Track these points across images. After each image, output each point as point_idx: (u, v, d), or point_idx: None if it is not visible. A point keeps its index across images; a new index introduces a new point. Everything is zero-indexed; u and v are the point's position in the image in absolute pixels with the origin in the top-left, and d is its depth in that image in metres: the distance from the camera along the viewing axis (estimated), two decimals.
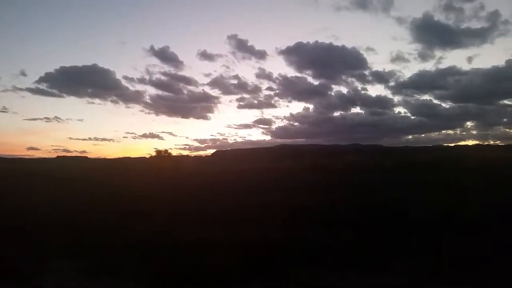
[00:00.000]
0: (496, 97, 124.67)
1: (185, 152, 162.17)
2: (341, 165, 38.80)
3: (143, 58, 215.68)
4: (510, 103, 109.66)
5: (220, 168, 39.15)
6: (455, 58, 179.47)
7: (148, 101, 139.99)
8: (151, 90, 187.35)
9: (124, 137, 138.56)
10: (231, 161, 68.76)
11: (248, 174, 28.19)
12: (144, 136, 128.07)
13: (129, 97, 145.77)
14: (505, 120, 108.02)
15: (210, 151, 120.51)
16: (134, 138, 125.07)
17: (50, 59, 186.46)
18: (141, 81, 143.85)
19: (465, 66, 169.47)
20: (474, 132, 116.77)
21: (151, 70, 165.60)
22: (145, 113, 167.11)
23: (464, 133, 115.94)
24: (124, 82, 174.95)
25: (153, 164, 46.37)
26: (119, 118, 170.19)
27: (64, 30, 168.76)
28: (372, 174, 25.18)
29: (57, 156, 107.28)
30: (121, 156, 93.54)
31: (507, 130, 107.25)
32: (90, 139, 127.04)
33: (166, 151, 53.06)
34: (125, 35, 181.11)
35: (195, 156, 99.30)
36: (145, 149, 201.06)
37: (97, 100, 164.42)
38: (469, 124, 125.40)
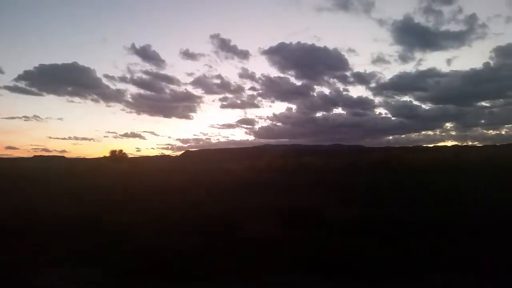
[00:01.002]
0: (474, 99, 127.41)
1: (167, 152, 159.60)
2: (294, 166, 38.69)
3: (124, 57, 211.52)
4: (487, 105, 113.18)
5: (161, 169, 37.58)
6: (435, 60, 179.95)
7: (130, 100, 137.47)
8: (132, 89, 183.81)
9: (105, 136, 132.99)
10: (189, 162, 67.25)
11: (182, 175, 27.04)
12: (126, 135, 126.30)
13: (110, 96, 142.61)
14: (482, 121, 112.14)
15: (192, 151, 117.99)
16: (115, 137, 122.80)
17: (29, 57, 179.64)
18: (122, 79, 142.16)
19: (445, 68, 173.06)
20: (453, 133, 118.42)
21: (132, 69, 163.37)
22: (127, 112, 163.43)
23: (443, 134, 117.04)
24: (104, 81, 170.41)
25: (101, 164, 44.21)
26: (100, 117, 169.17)
27: (43, 27, 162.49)
28: (316, 174, 24.88)
29: (34, 155, 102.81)
30: (102, 155, 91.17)
31: (485, 131, 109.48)
32: (70, 138, 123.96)
33: (121, 151, 51.38)
34: (105, 33, 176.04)
35: (157, 156, 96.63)
36: (126, 149, 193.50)
37: (77, 99, 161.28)
38: (448, 125, 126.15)
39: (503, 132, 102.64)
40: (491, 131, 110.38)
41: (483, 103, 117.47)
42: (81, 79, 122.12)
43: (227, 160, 60.32)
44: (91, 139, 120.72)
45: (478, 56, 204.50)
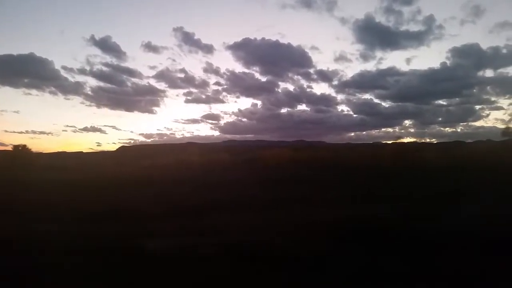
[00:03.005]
0: (432, 98, 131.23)
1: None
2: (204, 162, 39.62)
3: (83, 48, 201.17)
4: (444, 103, 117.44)
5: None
6: (395, 59, 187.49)
7: (89, 93, 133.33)
8: (92, 82, 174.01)
9: (63, 130, 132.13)
10: (109, 158, 64.54)
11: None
12: (85, 129, 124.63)
13: (69, 88, 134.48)
14: (440, 119, 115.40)
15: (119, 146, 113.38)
16: (74, 131, 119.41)
17: None
18: (81, 71, 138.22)
19: (404, 67, 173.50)
20: (412, 130, 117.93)
21: (92, 61, 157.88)
22: (86, 105, 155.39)
23: (402, 131, 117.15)
24: (63, 73, 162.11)
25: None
26: (58, 110, 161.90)
27: None
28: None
29: None
30: (60, 150, 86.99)
31: (442, 128, 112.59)
32: (27, 132, 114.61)
33: (24, 146, 47.31)
34: (63, 23, 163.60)
35: (88, 153, 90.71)
36: (86, 143, 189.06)
37: (34, 91, 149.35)
38: (407, 122, 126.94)
39: (458, 130, 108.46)
40: (447, 128, 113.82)
41: (440, 102, 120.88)
42: (38, 70, 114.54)
43: (154, 156, 58.98)
44: (49, 133, 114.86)
45: (435, 56, 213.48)
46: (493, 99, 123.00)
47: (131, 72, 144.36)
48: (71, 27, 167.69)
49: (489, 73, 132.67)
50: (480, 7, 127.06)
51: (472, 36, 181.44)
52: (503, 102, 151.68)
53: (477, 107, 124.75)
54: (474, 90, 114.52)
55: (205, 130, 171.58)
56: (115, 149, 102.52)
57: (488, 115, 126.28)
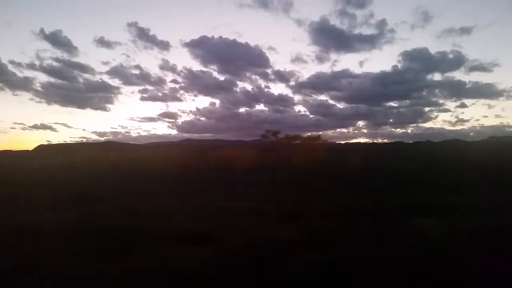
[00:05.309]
0: (383, 99, 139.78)
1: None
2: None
3: (32, 42, 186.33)
4: (395, 105, 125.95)
5: None
6: (348, 62, 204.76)
7: (39, 88, 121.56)
8: (42, 77, 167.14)
9: (12, 128, 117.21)
10: (24, 157, 67.03)
11: None
12: (35, 127, 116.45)
13: (17, 84, 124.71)
14: (391, 120, 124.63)
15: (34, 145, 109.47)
16: (23, 129, 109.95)
17: None
18: (31, 66, 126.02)
19: (357, 70, 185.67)
20: (365, 130, 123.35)
21: (42, 55, 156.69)
22: (36, 102, 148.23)
23: (356, 131, 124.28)
24: (10, 67, 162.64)
25: None
26: (6, 107, 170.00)
27: None
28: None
29: None
30: (9, 148, 80.00)
31: (393, 129, 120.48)
32: None
33: None
34: (10, 14, 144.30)
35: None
36: (36, 141, 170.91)
37: None
38: (360, 123, 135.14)
39: (409, 131, 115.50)
40: (398, 129, 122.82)
41: (392, 104, 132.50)
42: None
43: (58, 157, 62.66)
44: None
45: (387, 59, 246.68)
46: (441, 101, 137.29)
47: (83, 68, 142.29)
48: (19, 19, 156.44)
49: (437, 76, 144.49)
50: (429, 13, 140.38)
51: (422, 40, 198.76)
52: (450, 104, 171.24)
53: (426, 109, 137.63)
54: (423, 93, 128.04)
55: (162, 129, 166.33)
56: (31, 149, 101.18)
57: (436, 116, 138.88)
